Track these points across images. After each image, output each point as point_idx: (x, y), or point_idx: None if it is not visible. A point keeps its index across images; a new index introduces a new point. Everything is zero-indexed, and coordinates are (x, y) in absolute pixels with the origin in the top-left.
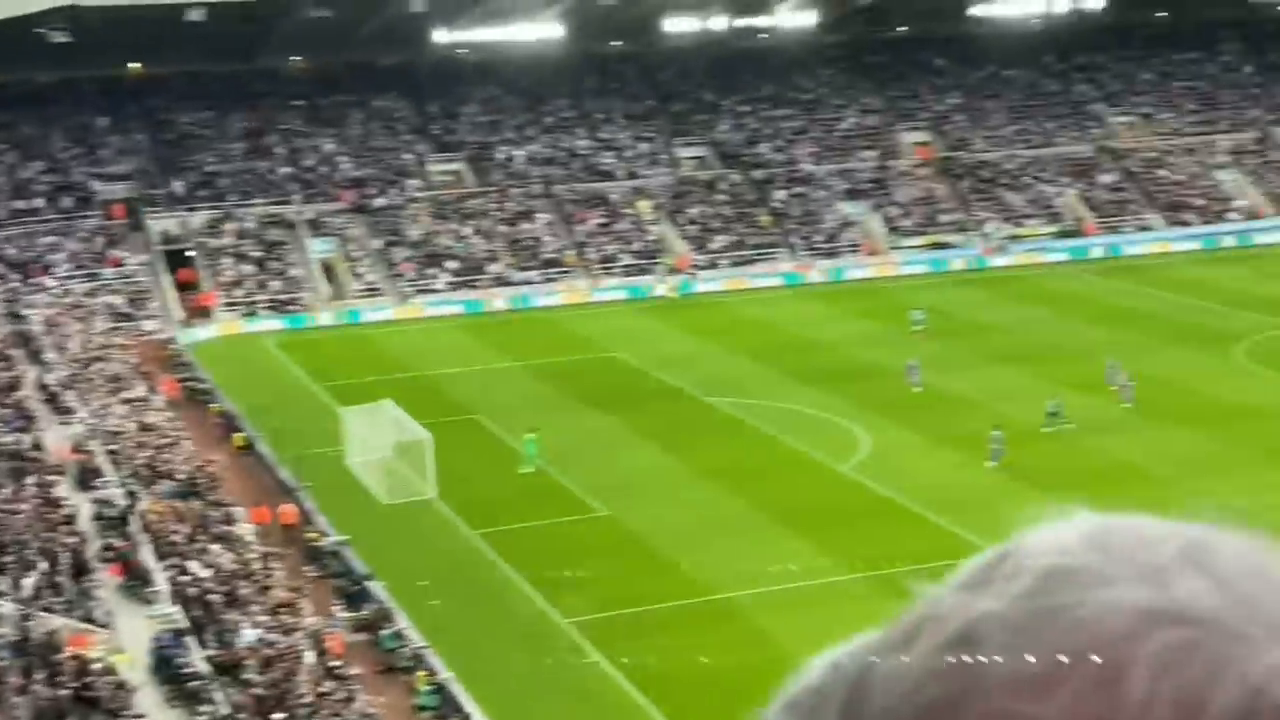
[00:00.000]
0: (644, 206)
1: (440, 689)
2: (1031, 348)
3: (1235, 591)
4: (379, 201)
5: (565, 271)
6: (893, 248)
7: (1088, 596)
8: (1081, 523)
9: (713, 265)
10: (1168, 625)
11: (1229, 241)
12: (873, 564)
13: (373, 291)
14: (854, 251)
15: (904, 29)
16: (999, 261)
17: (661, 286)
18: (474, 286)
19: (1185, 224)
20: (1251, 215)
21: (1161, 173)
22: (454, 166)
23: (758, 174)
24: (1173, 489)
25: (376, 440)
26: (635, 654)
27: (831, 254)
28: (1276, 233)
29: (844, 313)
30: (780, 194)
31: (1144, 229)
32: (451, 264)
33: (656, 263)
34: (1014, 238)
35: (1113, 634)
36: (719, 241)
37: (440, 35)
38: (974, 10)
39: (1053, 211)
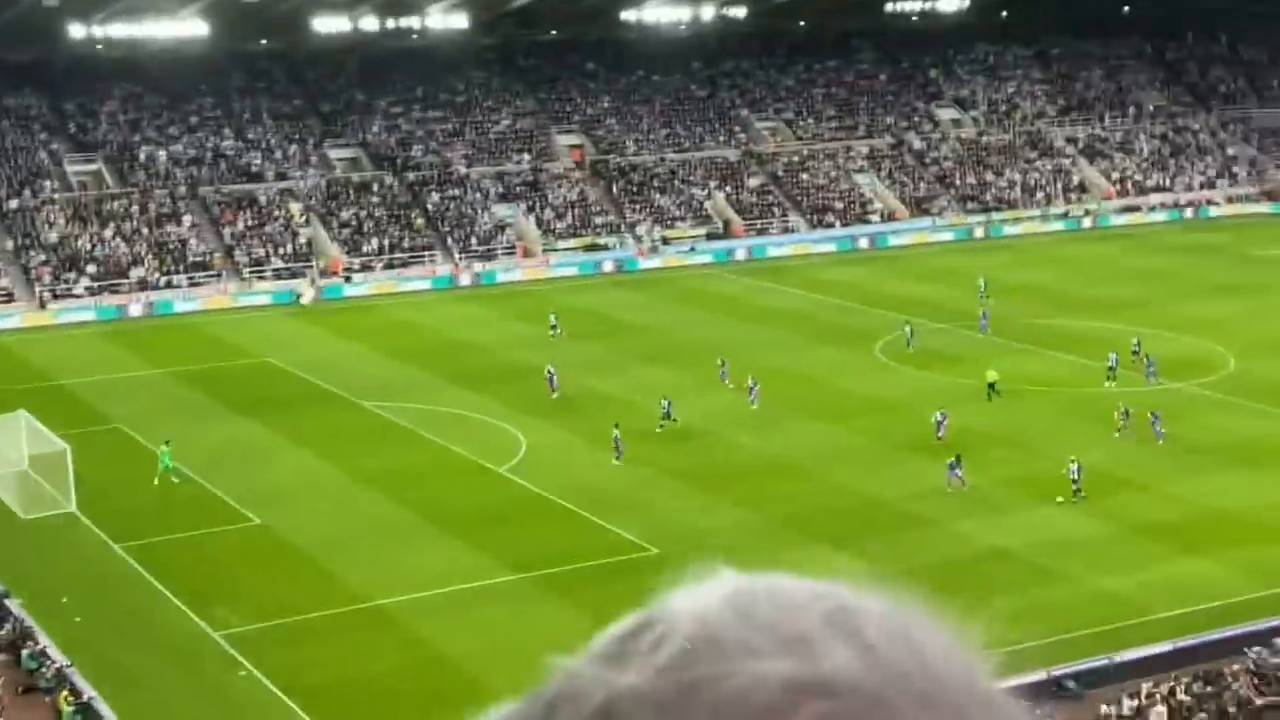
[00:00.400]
0: (294, 208)
1: (85, 708)
2: (678, 348)
3: (881, 660)
4: (12, 203)
5: (213, 275)
6: (547, 250)
7: (733, 669)
8: (723, 585)
9: (366, 268)
10: (815, 697)
11: (866, 243)
12: (529, 564)
13: (6, 297)
14: (509, 254)
15: (556, 32)
16: (650, 263)
17: (308, 291)
18: (116, 291)
19: (827, 226)
20: (888, 217)
21: (804, 176)
22: (93, 166)
23: (411, 176)
24: (813, 481)
25: (10, 453)
26: (291, 665)
27: (487, 256)
28: (911, 234)
29: (499, 315)
30: (434, 196)
31: (788, 231)
32: (91, 268)
33: (307, 266)
34: (665, 240)
35: (760, 708)
36: (372, 244)
37: (76, 30)
38: (625, 15)
39: (702, 214)
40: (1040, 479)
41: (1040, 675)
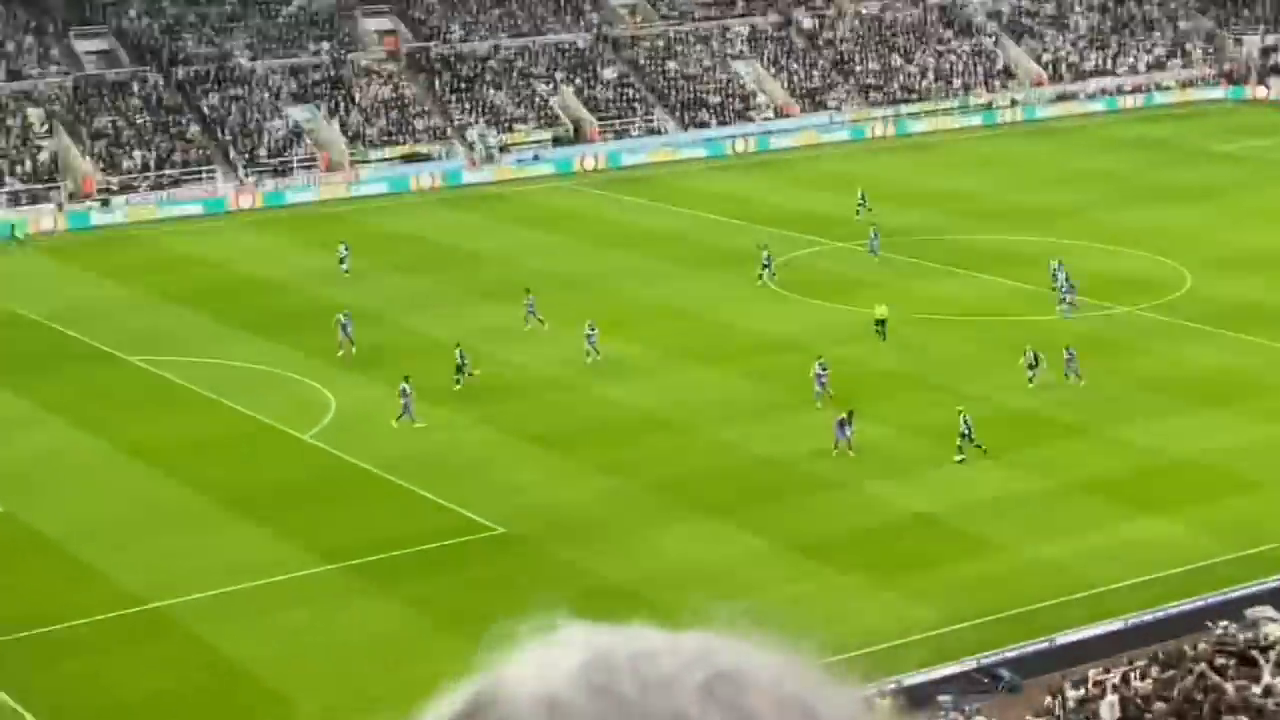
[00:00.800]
0: (33, 116)
1: None
2: (519, 281)
3: None
4: None
5: None
6: (356, 162)
7: None
8: (573, 651)
9: (127, 189)
10: None
11: (748, 145)
12: (343, 551)
13: None
14: (308, 168)
15: None
16: (485, 175)
17: (44, 219)
18: None
19: (701, 125)
20: (776, 114)
21: (671, 66)
22: None
23: (180, 73)
24: (693, 438)
25: None
26: (48, 685)
27: (279, 172)
28: (802, 133)
29: (296, 245)
30: (211, 98)
31: (654, 132)
32: None
33: (52, 188)
34: (503, 146)
35: None
36: (134, 159)
37: None
38: None
39: (547, 114)
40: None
41: (968, 664)
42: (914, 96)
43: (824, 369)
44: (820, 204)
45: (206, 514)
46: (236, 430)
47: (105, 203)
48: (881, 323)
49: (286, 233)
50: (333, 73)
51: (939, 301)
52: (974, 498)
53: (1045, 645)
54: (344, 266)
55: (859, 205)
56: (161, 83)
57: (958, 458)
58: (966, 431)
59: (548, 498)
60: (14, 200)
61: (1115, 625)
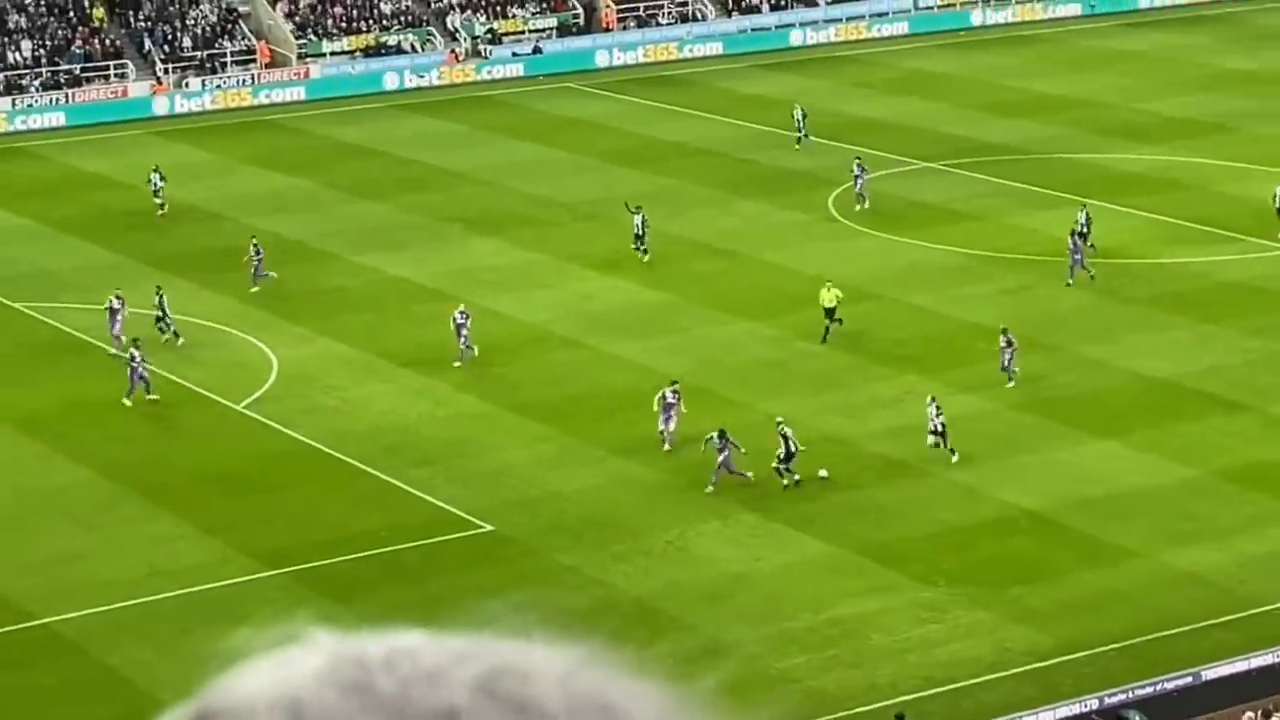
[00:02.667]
0: None
1: None
2: (511, 209)
3: None
4: None
5: None
6: (305, 56)
7: None
8: (316, 652)
9: (14, 88)
10: None
11: (805, 37)
12: (287, 554)
13: None
14: (244, 64)
15: None
16: (470, 74)
17: None
18: None
19: (749, 10)
20: None
21: None
22: None
23: None
24: (735, 410)
25: None
26: None
27: (208, 68)
28: (875, 21)
29: (228, 162)
30: None
31: (688, 19)
32: None
33: None
34: (494, 36)
35: None
36: (22, 51)
37: None
38: None
39: None
40: (1082, 401)
41: (1087, 704)
42: None
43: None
44: (901, 112)
45: (113, 505)
46: (145, 397)
47: None
48: (830, 311)
49: (216, 146)
50: None
51: (1045, 239)
52: (1095, 492)
53: (1188, 681)
54: (158, 198)
55: (797, 125)
56: None
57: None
58: (934, 425)
59: (546, 486)
60: None
61: (1273, 658)
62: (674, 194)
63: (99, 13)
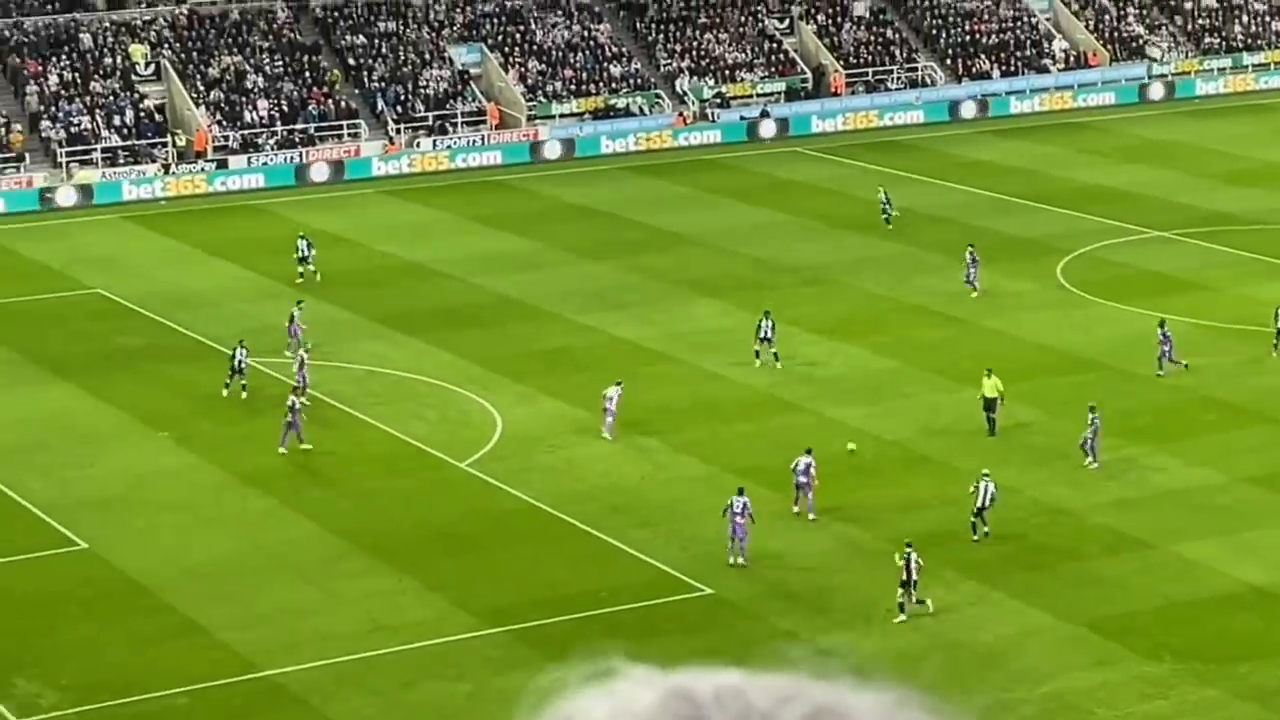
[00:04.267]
0: (137, 54)
1: None
2: (733, 269)
3: None
4: None
5: (10, 158)
6: (536, 117)
7: None
8: (646, 688)
9: (250, 146)
10: None
11: (1039, 103)
12: (510, 613)
13: None
14: (474, 124)
15: None
16: (697, 136)
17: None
18: None
19: (979, 76)
20: (1078, 61)
21: None
22: None
23: (318, 3)
24: (959, 479)
25: None
26: None
27: (438, 128)
28: (1111, 89)
29: (463, 220)
30: (356, 36)
31: (917, 84)
32: None
33: (159, 144)
34: (722, 99)
35: None
36: (259, 110)
37: None
38: None
39: (780, 58)
40: None
41: None
42: (1259, 44)
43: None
44: (1132, 180)
45: (337, 559)
46: (377, 452)
47: (221, 164)
48: (990, 406)
49: (445, 205)
50: (508, 5)
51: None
52: None
53: None
54: (304, 269)
55: (883, 205)
56: (294, 15)
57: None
58: (980, 501)
59: (765, 550)
60: (110, 159)
61: None
62: (900, 259)
63: (335, 76)
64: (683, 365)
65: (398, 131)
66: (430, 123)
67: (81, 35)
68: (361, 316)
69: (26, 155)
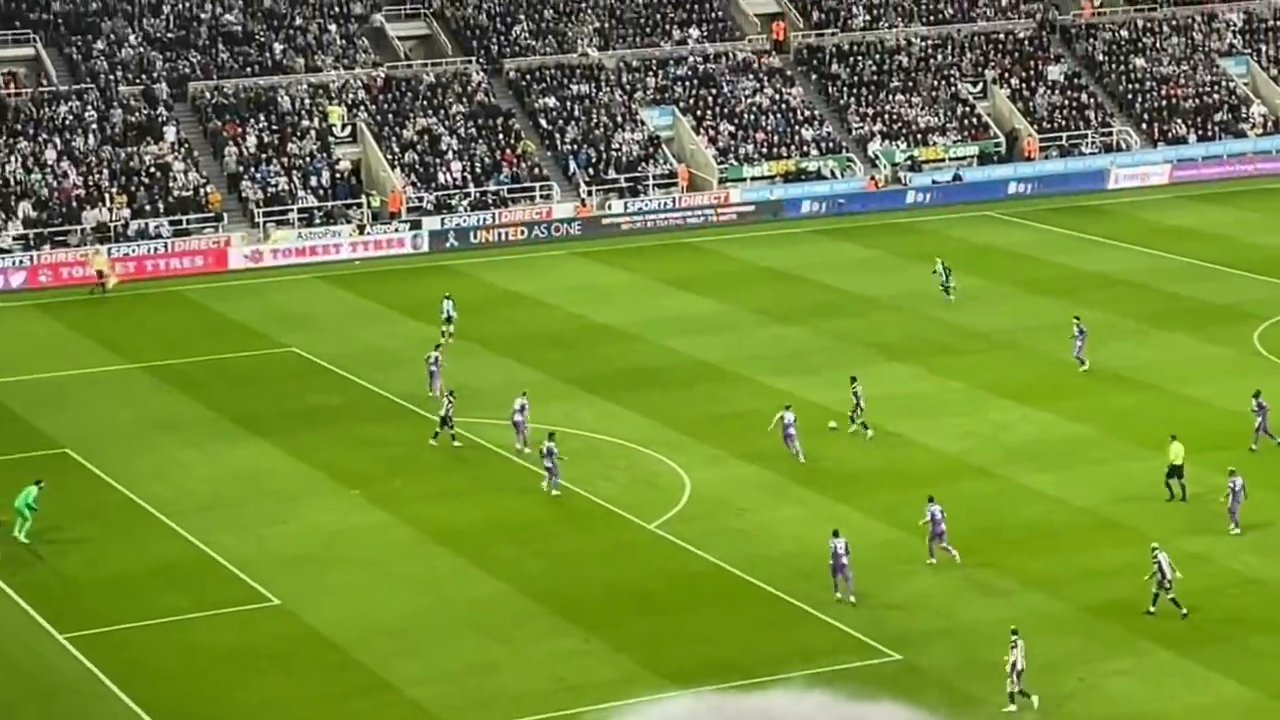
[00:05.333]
0: (334, 115)
1: None
2: (923, 333)
3: None
4: None
5: (209, 218)
6: (726, 180)
7: None
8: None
9: (444, 208)
10: None
11: (1237, 168)
12: (698, 673)
13: None
14: (665, 186)
15: None
16: (887, 200)
17: (350, 238)
18: (61, 242)
19: (1175, 141)
20: (1275, 127)
21: (1139, 63)
22: (26, 52)
23: (512, 66)
24: (1157, 546)
25: None
26: None
27: (630, 190)
28: None
29: (653, 281)
30: (548, 99)
31: (1112, 148)
32: (25, 206)
33: (354, 205)
34: (914, 162)
35: None
36: (452, 171)
37: None
38: None
39: (972, 122)
40: None
41: None
42: None
43: None
44: None
45: (526, 618)
46: (565, 514)
47: (415, 224)
48: (1177, 471)
49: (635, 267)
50: (701, 68)
51: None
52: None
53: None
54: (447, 331)
55: (942, 283)
56: (488, 78)
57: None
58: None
59: (955, 617)
60: (306, 219)
61: None
62: (1094, 325)
63: (528, 147)
64: (872, 429)
65: (589, 193)
66: (622, 185)
67: (279, 98)
68: (552, 377)
69: (225, 215)
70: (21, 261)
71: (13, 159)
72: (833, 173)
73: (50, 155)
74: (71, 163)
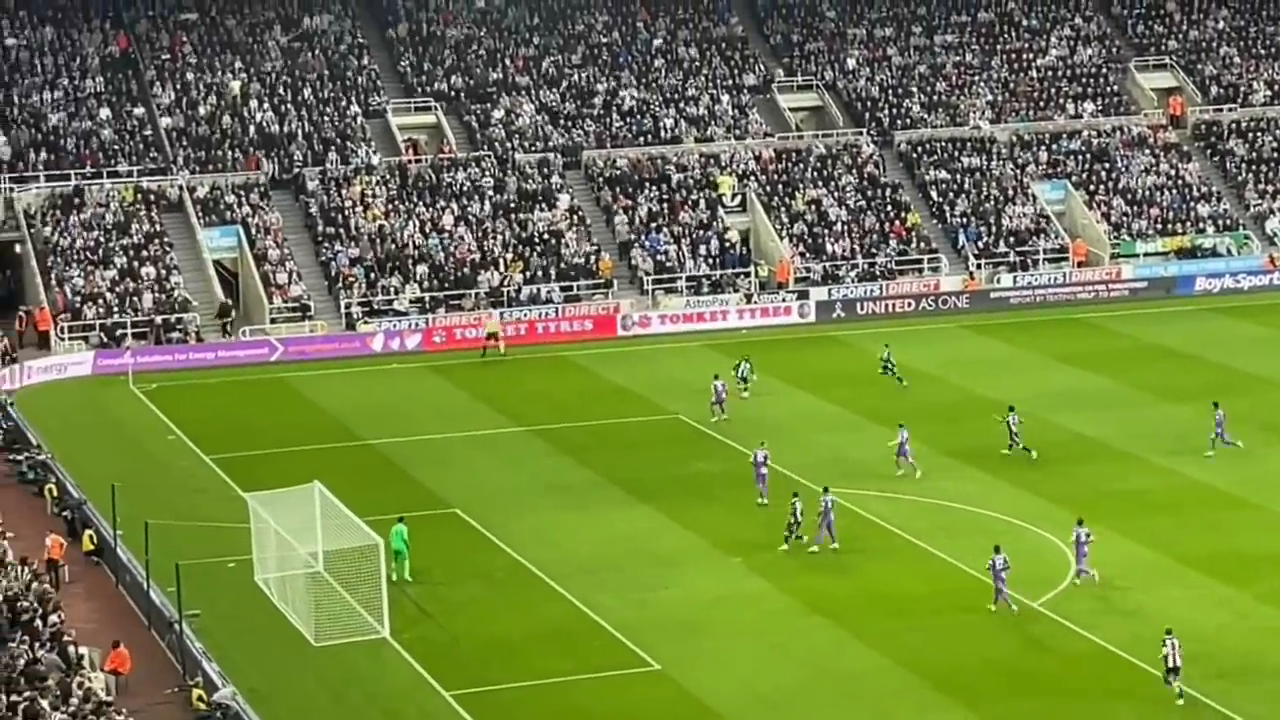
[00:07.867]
0: (724, 185)
1: None
2: None
3: None
4: (312, 175)
5: (599, 284)
6: (1119, 255)
7: None
8: None
9: (832, 278)
10: None
11: None
12: None
13: (297, 311)
14: (1056, 260)
15: None
16: None
17: (743, 300)
18: (455, 306)
19: None
20: None
21: None
22: (428, 119)
23: (902, 138)
24: None
25: (299, 545)
26: None
27: (1020, 264)
28: None
29: (1042, 356)
30: (937, 173)
31: None
32: (422, 270)
33: (742, 273)
34: None
35: None
36: (841, 242)
37: None
38: None
39: None
40: None
41: None
42: None
43: None
44: None
45: (902, 692)
46: (946, 588)
47: (802, 294)
48: None
49: (1023, 342)
50: (1095, 142)
51: None
52: None
53: None
54: (744, 386)
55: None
56: (878, 150)
57: None
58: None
59: None
60: (694, 287)
61: None
62: None
63: (916, 221)
64: (1264, 512)
65: (978, 266)
66: (1011, 259)
67: (669, 171)
68: (937, 450)
69: (614, 281)
70: (417, 324)
71: (411, 223)
72: (1229, 250)
73: (448, 220)
74: (467, 227)
